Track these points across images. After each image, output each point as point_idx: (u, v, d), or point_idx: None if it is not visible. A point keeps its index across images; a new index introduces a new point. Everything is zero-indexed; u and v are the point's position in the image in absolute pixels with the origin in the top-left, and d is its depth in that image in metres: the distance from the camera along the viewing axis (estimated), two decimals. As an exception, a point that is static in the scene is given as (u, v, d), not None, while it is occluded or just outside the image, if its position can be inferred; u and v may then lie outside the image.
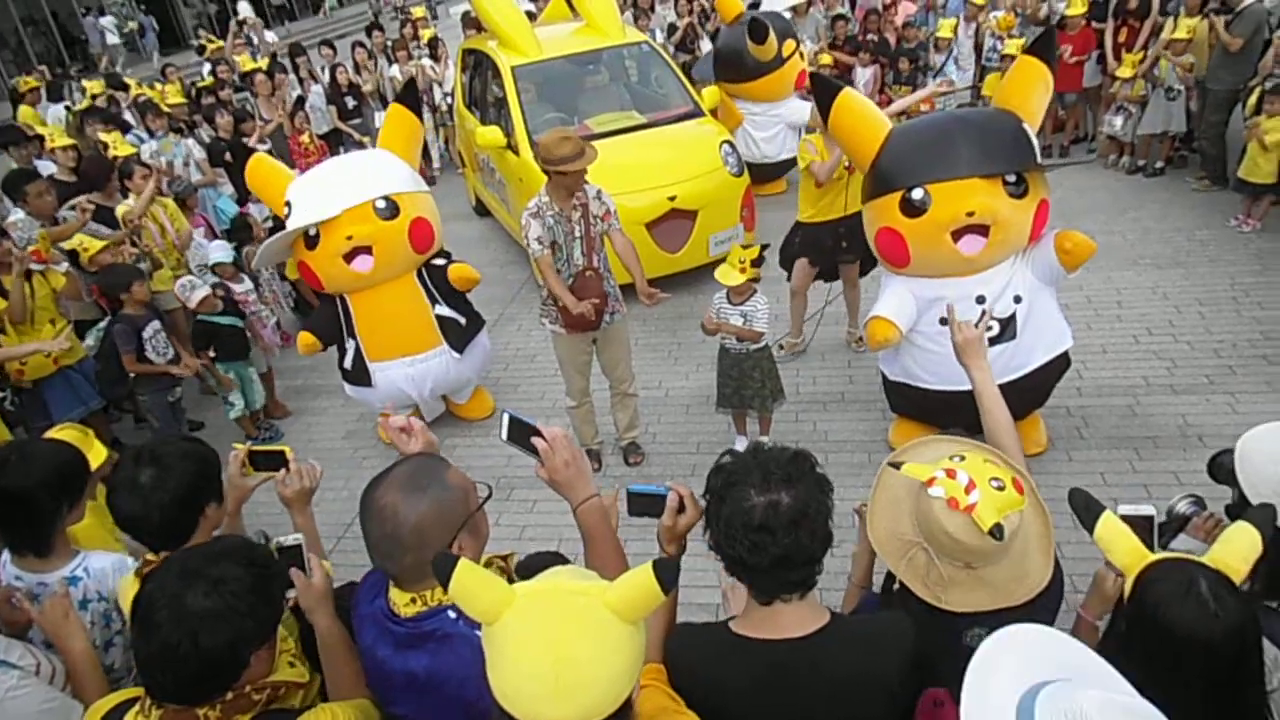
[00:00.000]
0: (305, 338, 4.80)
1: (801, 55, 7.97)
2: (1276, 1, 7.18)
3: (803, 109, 7.38)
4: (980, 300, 3.78)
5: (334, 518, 4.53)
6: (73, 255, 5.16)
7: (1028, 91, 3.77)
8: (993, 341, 3.80)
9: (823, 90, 3.95)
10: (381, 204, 4.52)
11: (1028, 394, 4.06)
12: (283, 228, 4.61)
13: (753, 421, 4.60)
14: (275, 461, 2.08)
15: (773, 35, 7.31)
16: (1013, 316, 3.79)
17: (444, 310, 4.84)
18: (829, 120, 3.95)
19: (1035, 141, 3.71)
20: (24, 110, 6.46)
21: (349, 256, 4.50)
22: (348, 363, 4.87)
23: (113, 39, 19.51)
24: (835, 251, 5.15)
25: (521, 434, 1.76)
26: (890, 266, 3.99)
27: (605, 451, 4.80)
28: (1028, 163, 3.63)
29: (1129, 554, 1.60)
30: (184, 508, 1.86)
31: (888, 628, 1.61)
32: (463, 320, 4.93)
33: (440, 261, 4.90)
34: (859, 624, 1.74)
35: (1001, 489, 1.65)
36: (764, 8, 8.45)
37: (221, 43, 12.37)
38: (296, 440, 5.48)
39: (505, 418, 1.77)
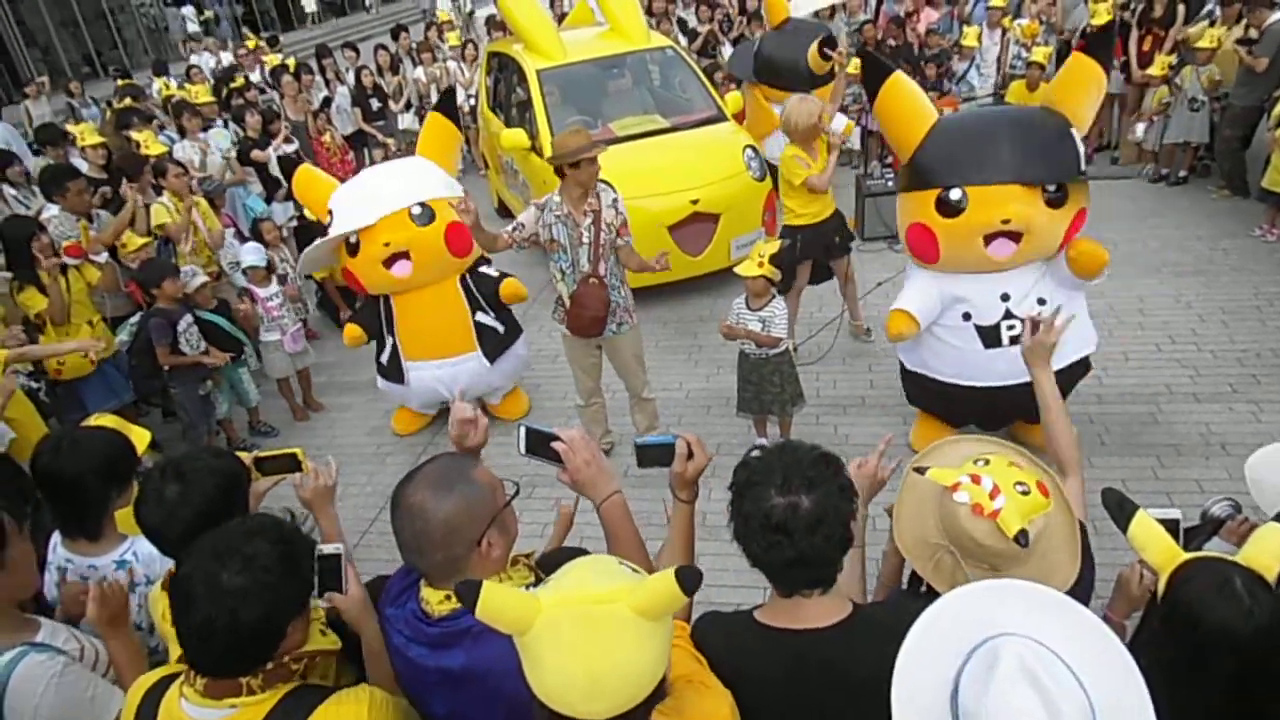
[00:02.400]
0: (352, 330, 4.97)
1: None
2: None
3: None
4: (1005, 298, 3.79)
5: (358, 513, 4.59)
6: (113, 248, 5.28)
7: (1079, 92, 3.62)
8: (1013, 340, 3.82)
9: (873, 71, 3.86)
10: (417, 210, 4.63)
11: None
12: (307, 229, 4.71)
13: (773, 425, 4.64)
14: (286, 465, 2.10)
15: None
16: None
17: (484, 318, 4.93)
18: (875, 103, 3.86)
19: (1081, 147, 3.62)
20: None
21: (388, 262, 4.62)
22: (384, 358, 5.02)
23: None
24: (831, 247, 5.19)
25: (540, 442, 1.79)
26: (918, 261, 3.97)
27: (619, 451, 4.84)
28: (1070, 173, 3.55)
29: (1163, 553, 1.63)
30: (206, 523, 1.82)
31: (911, 617, 1.63)
32: (501, 329, 5.02)
33: (493, 272, 4.97)
34: (882, 613, 1.76)
35: (1026, 493, 1.67)
36: (791, 13, 8.45)
37: (257, 40, 12.76)
38: (321, 436, 5.56)
39: (522, 430, 1.80)
